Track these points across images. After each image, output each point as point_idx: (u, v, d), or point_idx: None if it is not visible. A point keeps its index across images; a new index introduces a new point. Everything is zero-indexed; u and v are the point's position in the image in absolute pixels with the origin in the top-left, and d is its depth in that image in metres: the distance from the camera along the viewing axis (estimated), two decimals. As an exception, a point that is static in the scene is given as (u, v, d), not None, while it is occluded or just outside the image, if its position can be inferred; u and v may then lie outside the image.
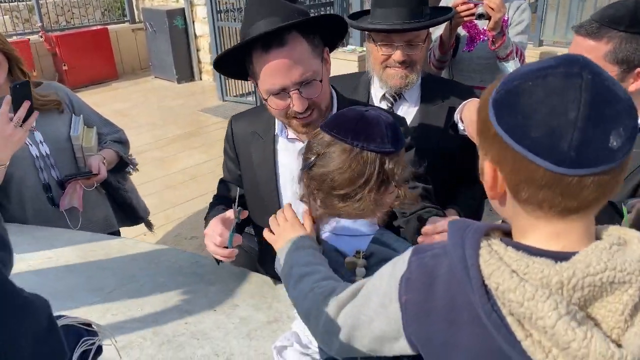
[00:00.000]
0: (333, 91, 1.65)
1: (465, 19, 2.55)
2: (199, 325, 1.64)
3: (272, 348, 1.51)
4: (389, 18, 1.90)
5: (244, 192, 1.83)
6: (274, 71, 1.42)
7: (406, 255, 0.93)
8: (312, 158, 1.21)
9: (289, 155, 1.67)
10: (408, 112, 2.08)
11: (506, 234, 0.88)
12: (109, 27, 9.68)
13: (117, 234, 2.69)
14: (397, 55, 1.92)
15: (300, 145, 1.62)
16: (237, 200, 1.58)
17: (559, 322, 0.71)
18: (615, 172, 0.76)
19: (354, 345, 1.03)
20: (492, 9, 2.45)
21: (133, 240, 2.34)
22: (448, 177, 2.07)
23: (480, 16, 2.49)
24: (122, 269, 1.98)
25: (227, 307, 1.74)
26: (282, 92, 1.45)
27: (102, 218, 2.63)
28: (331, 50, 1.59)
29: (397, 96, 2.08)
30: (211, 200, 1.93)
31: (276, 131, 1.67)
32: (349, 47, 6.68)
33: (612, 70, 1.46)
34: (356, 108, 1.23)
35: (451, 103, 2.07)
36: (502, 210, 0.88)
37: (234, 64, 1.54)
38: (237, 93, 8.08)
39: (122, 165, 2.69)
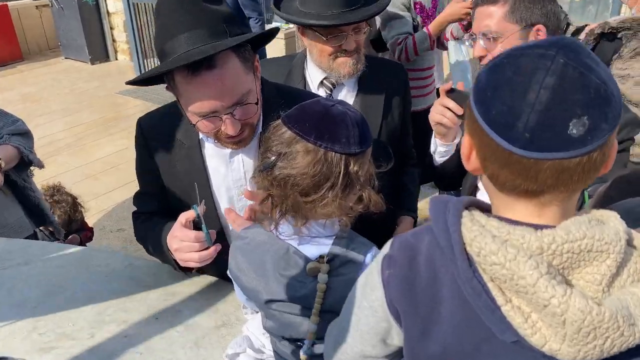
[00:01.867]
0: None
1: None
2: (140, 337, 1.51)
3: (224, 357, 1.41)
4: (325, 5, 1.79)
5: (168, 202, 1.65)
6: (203, 95, 1.26)
7: (389, 242, 0.94)
8: (273, 158, 1.10)
9: (218, 161, 1.53)
10: (347, 97, 2.01)
11: (483, 210, 0.88)
12: (8, 3, 8.87)
13: (34, 237, 2.45)
14: (350, 44, 1.82)
15: (229, 149, 1.49)
16: (197, 193, 1.43)
17: (540, 279, 0.72)
18: (581, 162, 0.74)
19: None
20: None
21: (56, 243, 2.14)
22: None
23: None
24: (47, 277, 1.79)
25: (170, 314, 1.61)
26: (213, 116, 1.31)
27: (14, 222, 2.39)
28: (256, 50, 1.45)
29: (335, 82, 2.00)
30: (135, 218, 1.74)
31: (201, 136, 1.51)
32: (274, 24, 6.52)
33: (514, 29, 1.57)
34: (321, 101, 1.14)
35: (387, 83, 2.03)
36: (483, 185, 0.88)
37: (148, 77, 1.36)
38: (157, 73, 7.69)
39: (26, 162, 2.41)
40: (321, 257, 1.14)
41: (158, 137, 1.57)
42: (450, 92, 1.60)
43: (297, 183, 1.08)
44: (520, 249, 0.75)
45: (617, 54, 2.53)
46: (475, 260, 0.78)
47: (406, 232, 0.94)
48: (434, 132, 1.73)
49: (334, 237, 1.18)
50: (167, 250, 1.49)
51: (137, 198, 1.75)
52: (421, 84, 3.01)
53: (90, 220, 4.39)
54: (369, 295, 0.95)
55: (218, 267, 1.64)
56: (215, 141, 1.42)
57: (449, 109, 1.59)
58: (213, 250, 1.39)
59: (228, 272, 1.30)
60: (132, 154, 1.68)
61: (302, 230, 1.14)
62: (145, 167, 1.64)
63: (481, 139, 0.79)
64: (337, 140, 1.07)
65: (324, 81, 1.97)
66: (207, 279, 1.77)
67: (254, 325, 1.49)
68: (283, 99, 1.51)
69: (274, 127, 1.15)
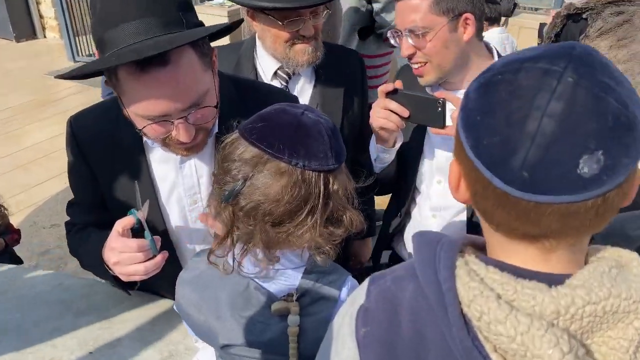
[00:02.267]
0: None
1: None
2: (72, 379, 1.29)
3: (173, 401, 1.21)
4: None
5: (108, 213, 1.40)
6: (152, 96, 1.06)
7: (364, 285, 0.78)
8: (238, 185, 0.89)
9: (167, 166, 1.32)
10: (305, 89, 1.83)
11: (479, 249, 0.74)
12: None
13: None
14: (309, 29, 1.63)
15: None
16: (138, 193, 1.21)
17: None
18: (594, 204, 0.60)
19: None
20: None
21: (-30, 260, 1.86)
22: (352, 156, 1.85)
23: None
24: (-43, 306, 1.52)
25: (107, 346, 1.39)
26: (163, 120, 1.10)
27: None
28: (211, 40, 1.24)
29: (292, 72, 1.81)
30: (69, 229, 1.50)
31: (145, 138, 1.28)
32: (216, 0, 6.17)
33: (443, 22, 1.45)
34: (287, 109, 0.93)
35: (345, 72, 1.88)
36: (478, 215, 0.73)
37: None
38: (91, 51, 7.17)
39: None
40: (289, 295, 0.95)
41: (93, 139, 1.34)
42: (392, 94, 1.47)
43: (269, 212, 0.88)
44: (533, 317, 0.61)
45: (583, 34, 2.47)
46: (474, 324, 0.64)
47: (384, 274, 0.78)
48: (373, 138, 1.60)
49: (304, 268, 0.99)
50: (105, 265, 1.27)
51: (71, 208, 1.51)
52: (376, 73, 2.78)
53: (19, 216, 4.04)
54: (340, 353, 0.79)
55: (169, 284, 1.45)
56: (162, 146, 1.21)
57: (392, 111, 1.46)
58: (160, 258, 1.18)
59: (175, 307, 1.09)
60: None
61: (269, 267, 0.94)
62: (79, 175, 1.40)
63: (470, 171, 0.65)
64: (313, 156, 0.89)
65: (279, 71, 1.78)
66: (149, 299, 1.55)
67: (206, 357, 1.30)
68: (242, 95, 1.31)
69: (230, 144, 0.93)
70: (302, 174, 0.88)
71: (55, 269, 3.51)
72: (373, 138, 1.60)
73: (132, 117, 1.13)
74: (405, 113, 1.45)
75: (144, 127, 1.11)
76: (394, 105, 1.45)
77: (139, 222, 1.17)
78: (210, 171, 1.30)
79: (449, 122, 1.43)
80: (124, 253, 1.17)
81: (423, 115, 1.44)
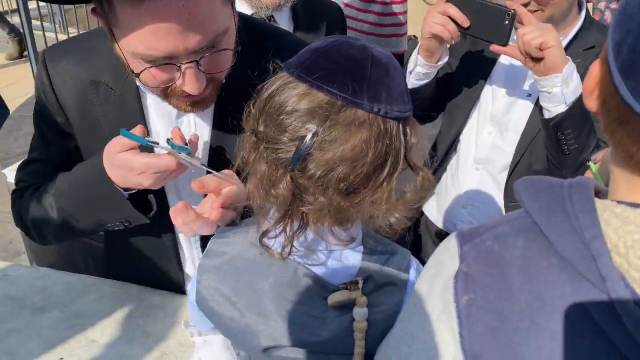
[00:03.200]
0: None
1: None
2: (44, 394, 1.05)
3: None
4: None
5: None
6: (157, 30, 0.82)
7: (451, 246, 0.65)
8: (305, 144, 0.68)
9: (163, 117, 1.08)
10: None
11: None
12: None
13: None
14: None
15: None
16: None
17: None
18: None
19: None
20: None
21: None
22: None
23: None
24: None
25: (83, 348, 1.15)
26: (168, 63, 0.87)
27: None
28: None
29: (267, 19, 1.64)
30: (19, 195, 1.17)
31: (139, 83, 1.04)
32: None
33: None
34: (350, 42, 0.73)
35: (326, 24, 1.77)
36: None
37: None
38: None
39: None
40: (352, 282, 0.77)
41: (73, 80, 1.08)
42: None
43: (344, 177, 0.69)
44: None
45: None
46: (632, 276, 0.52)
47: (477, 232, 0.65)
48: (419, 47, 1.43)
49: (361, 247, 0.81)
50: (111, 192, 1.01)
51: (26, 168, 1.19)
52: (398, 21, 2.43)
53: None
54: (425, 325, 0.64)
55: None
56: (162, 97, 0.98)
57: (451, 19, 1.31)
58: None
59: (194, 302, 0.88)
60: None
61: (304, 239, 0.77)
62: (51, 126, 1.13)
63: (613, 97, 0.53)
64: (395, 100, 0.71)
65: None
66: (118, 287, 1.31)
67: (210, 355, 1.10)
68: (253, 40, 1.09)
69: (279, 90, 0.72)
70: (383, 123, 0.70)
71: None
72: (416, 49, 1.44)
73: (127, 58, 0.89)
74: (466, 22, 1.30)
75: (142, 71, 0.87)
76: (453, 10, 1.30)
77: (149, 140, 0.91)
78: (211, 131, 1.09)
79: (512, 40, 1.29)
80: (158, 173, 0.93)
81: (485, 28, 1.29)
